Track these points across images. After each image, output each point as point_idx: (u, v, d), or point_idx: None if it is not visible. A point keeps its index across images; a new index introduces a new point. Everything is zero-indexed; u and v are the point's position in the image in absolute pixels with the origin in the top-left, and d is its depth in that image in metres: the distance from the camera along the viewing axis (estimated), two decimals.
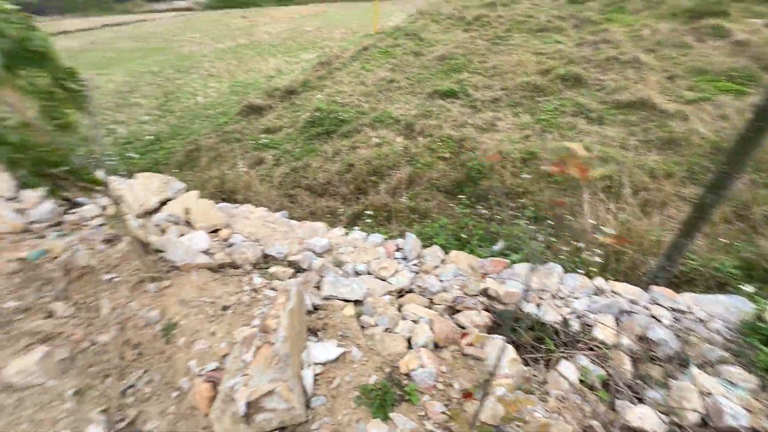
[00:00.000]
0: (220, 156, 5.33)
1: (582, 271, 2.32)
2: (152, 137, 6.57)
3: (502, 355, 1.22)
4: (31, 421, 1.38)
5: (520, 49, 9.95)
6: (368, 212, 3.82)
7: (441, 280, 2.16)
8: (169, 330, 1.64)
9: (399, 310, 1.91)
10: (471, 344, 1.70)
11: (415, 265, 2.31)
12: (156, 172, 3.53)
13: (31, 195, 2.99)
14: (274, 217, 2.74)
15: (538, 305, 2.02)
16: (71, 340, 1.75)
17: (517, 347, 1.75)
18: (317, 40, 14.47)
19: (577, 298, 2.07)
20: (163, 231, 2.33)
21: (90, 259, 2.03)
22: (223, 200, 3.66)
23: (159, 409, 1.46)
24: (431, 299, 2.04)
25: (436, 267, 2.28)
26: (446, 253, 2.44)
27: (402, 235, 2.71)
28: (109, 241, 2.26)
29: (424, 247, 2.50)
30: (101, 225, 2.89)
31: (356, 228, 2.84)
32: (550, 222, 3.44)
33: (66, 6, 35.59)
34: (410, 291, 2.15)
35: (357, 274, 2.22)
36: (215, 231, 2.56)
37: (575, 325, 1.89)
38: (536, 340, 1.82)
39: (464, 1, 22.23)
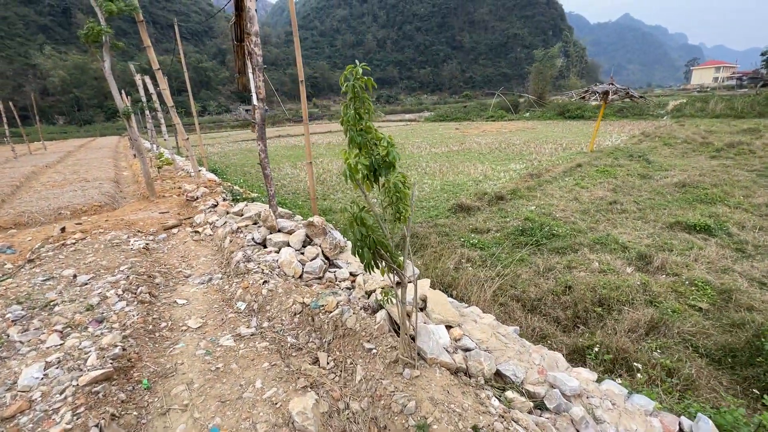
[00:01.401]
0: (431, 246, 5.75)
1: None
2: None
3: None
4: None
5: None
6: (597, 351, 3.20)
7: None
8: (422, 430, 1.60)
9: None
10: None
11: None
12: None
13: (310, 251, 3.81)
14: (506, 331, 2.57)
15: None
16: (331, 396, 1.94)
17: None
18: (525, 153, 14.98)
19: None
20: (408, 315, 2.49)
21: (355, 323, 2.32)
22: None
23: None
24: None
25: None
26: None
27: (676, 406, 2.05)
28: (367, 309, 2.56)
29: None
30: (350, 288, 3.36)
31: (613, 380, 2.35)
32: None
33: (334, 114, 49.86)
34: None
35: None
36: (448, 326, 2.57)
37: None
38: None
39: (707, 126, 19.35)
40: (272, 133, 33.24)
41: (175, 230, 5.01)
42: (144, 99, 13.27)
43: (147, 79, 12.94)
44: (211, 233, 4.72)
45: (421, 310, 2.82)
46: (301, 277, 3.55)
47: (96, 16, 6.57)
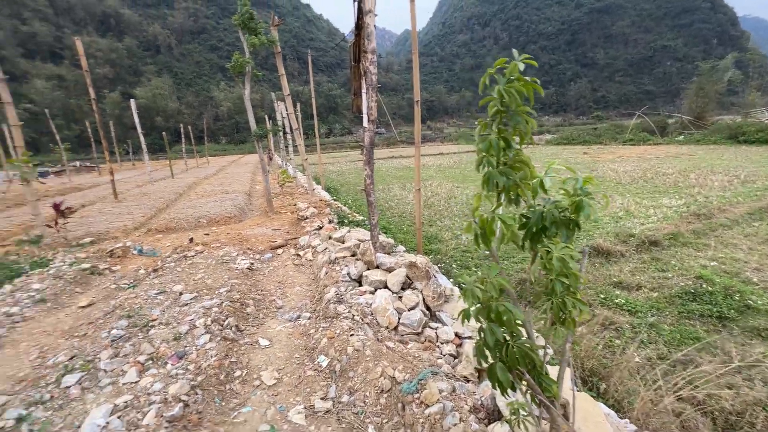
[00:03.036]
0: None
1: None
2: (488, 252, 6.86)
3: None
4: None
5: None
6: None
7: None
8: None
9: None
10: None
11: None
12: None
13: (409, 298, 3.21)
14: None
15: None
16: None
17: None
18: (682, 185, 12.01)
19: None
20: None
21: None
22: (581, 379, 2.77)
23: None
24: None
25: None
26: None
27: None
28: (479, 410, 1.81)
29: None
30: (453, 356, 2.64)
31: None
32: None
33: (446, 136, 50.00)
34: None
35: None
36: None
37: None
38: None
39: None
40: (386, 154, 34.54)
41: (280, 251, 5.03)
42: (280, 122, 14.94)
43: (284, 106, 14.54)
44: (312, 259, 4.56)
45: (564, 416, 1.92)
46: (396, 329, 2.97)
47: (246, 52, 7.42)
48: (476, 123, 1.22)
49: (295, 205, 8.34)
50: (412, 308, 3.11)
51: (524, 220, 1.08)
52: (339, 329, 2.66)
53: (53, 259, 4.78)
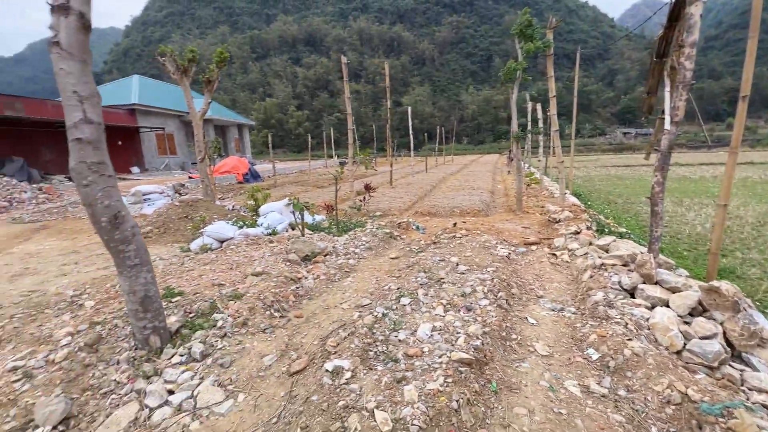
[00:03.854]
0: None
1: None
2: None
3: None
4: None
5: None
6: None
7: None
8: None
9: None
10: None
11: None
12: None
13: (702, 325, 2.81)
14: None
15: None
16: None
17: None
18: None
19: None
20: None
21: None
22: None
23: None
24: None
25: None
26: None
27: None
28: None
29: None
30: None
31: None
32: None
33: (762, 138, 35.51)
34: None
35: None
36: None
37: None
38: None
39: None
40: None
41: (533, 247, 5.24)
42: (529, 124, 14.89)
43: (537, 106, 14.36)
44: (569, 261, 4.54)
45: None
46: (678, 353, 2.70)
47: (510, 58, 7.89)
48: None
49: (542, 207, 8.28)
50: (706, 338, 2.71)
51: None
52: (611, 331, 2.68)
53: (366, 222, 6.85)
